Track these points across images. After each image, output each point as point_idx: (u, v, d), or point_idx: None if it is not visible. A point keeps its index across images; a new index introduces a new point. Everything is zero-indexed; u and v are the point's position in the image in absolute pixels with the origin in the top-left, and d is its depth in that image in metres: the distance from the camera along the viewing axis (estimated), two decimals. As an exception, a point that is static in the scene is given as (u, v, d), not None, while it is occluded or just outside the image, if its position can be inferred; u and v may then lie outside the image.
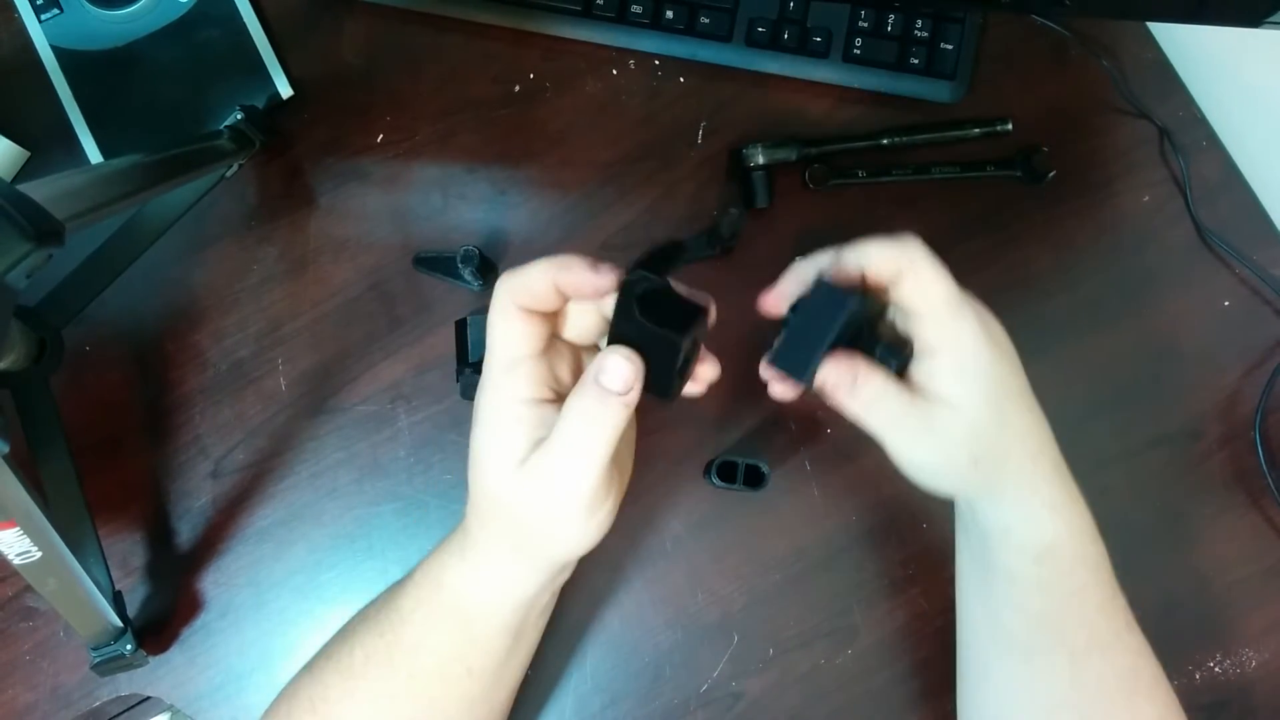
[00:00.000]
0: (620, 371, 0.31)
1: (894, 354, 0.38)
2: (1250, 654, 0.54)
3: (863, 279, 0.37)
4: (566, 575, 0.40)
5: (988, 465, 0.38)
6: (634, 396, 0.32)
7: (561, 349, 0.36)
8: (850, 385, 0.37)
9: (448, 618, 0.39)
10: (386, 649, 0.40)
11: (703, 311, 0.34)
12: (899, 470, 0.40)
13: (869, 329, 0.38)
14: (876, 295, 0.38)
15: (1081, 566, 0.40)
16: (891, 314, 0.40)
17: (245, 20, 0.56)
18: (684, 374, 0.34)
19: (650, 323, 0.31)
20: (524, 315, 0.33)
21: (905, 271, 0.37)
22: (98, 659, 0.48)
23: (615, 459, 0.34)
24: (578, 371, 0.36)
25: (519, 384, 0.34)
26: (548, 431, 0.33)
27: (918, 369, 0.38)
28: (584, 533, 0.35)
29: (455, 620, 0.39)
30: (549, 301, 0.33)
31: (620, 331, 0.32)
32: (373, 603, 0.43)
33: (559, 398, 0.34)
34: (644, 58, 0.58)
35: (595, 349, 0.37)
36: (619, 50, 0.58)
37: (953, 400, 0.37)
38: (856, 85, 0.58)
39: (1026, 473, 0.39)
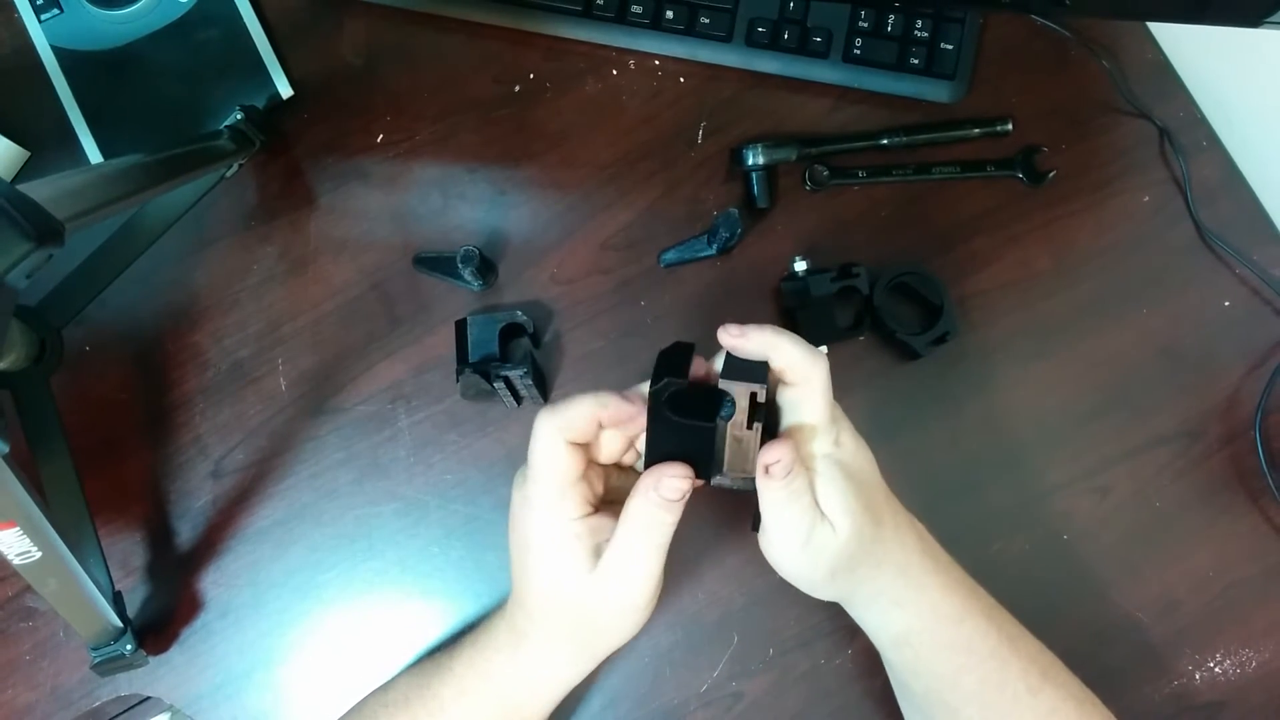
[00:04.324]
0: (679, 487, 0.36)
1: None
2: (1250, 654, 0.54)
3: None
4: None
5: (841, 578, 0.40)
6: (685, 500, 0.37)
7: (593, 465, 0.40)
8: (789, 467, 0.37)
9: (494, 708, 0.42)
10: None
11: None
12: (768, 559, 0.41)
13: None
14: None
15: (948, 651, 0.42)
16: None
17: (245, 20, 0.56)
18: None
19: (683, 419, 0.36)
20: (568, 448, 0.37)
21: (805, 383, 0.38)
22: (98, 659, 0.48)
23: None
24: (605, 481, 0.40)
25: (569, 506, 0.38)
26: (599, 536, 0.38)
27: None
28: (644, 617, 0.40)
29: (501, 710, 0.42)
30: (589, 434, 0.37)
31: (657, 433, 0.37)
32: (392, 690, 0.45)
33: (597, 507, 0.39)
34: (644, 58, 0.58)
35: (618, 467, 0.41)
36: (619, 50, 0.58)
37: (830, 519, 0.38)
38: (856, 85, 0.58)
39: (870, 579, 0.41)
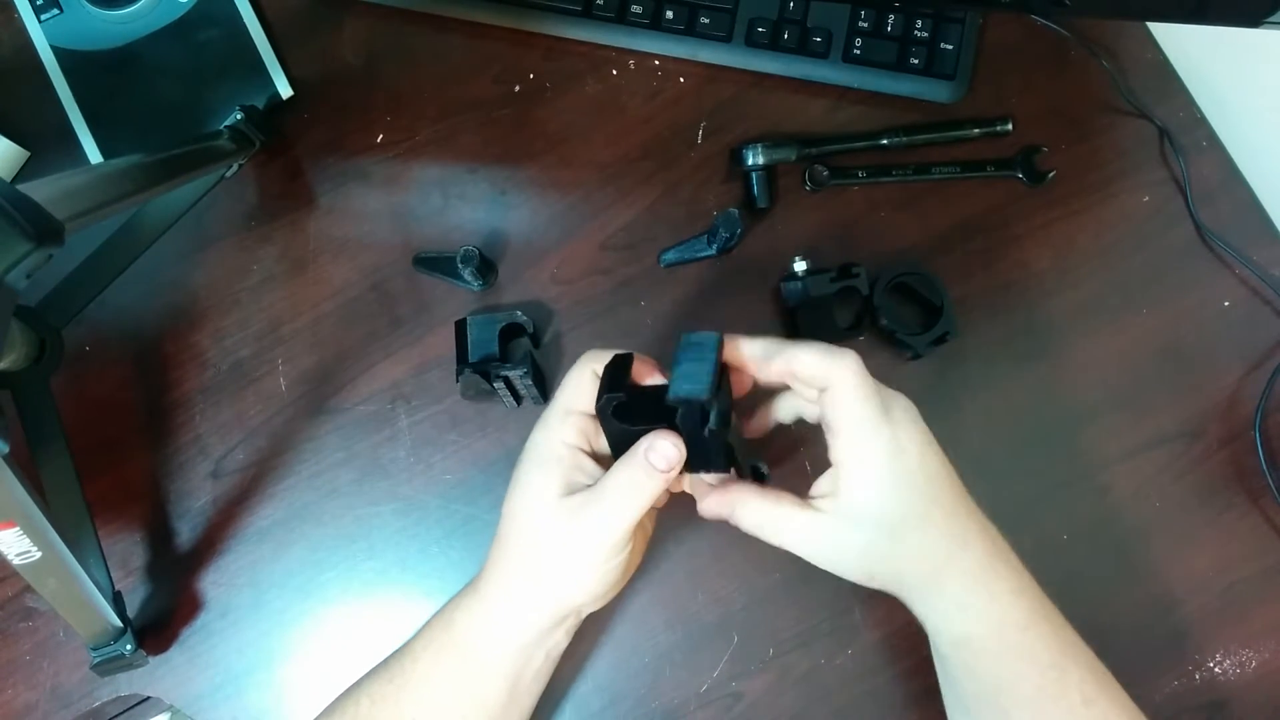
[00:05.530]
0: (667, 454, 0.37)
1: (758, 462, 0.42)
2: (1250, 654, 0.54)
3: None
4: (564, 640, 0.43)
5: (884, 579, 0.40)
6: (673, 475, 0.37)
7: None
8: (730, 516, 0.39)
9: (453, 656, 0.42)
10: (395, 692, 0.42)
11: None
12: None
13: (729, 437, 0.39)
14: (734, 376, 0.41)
15: (1008, 655, 0.41)
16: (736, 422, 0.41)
17: (245, 20, 0.56)
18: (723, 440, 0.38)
19: (631, 426, 0.38)
20: (593, 379, 0.39)
21: (832, 387, 0.38)
22: (98, 659, 0.48)
23: (639, 524, 0.39)
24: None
25: (568, 429, 0.39)
26: (582, 477, 0.39)
27: (825, 478, 0.40)
28: (595, 579, 0.39)
29: (460, 659, 0.42)
30: None
31: (613, 442, 0.39)
32: (381, 661, 0.45)
33: (594, 455, 0.40)
34: (644, 58, 0.58)
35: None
36: (619, 50, 0.58)
37: (847, 516, 0.38)
38: (856, 85, 0.58)
39: (926, 585, 0.40)
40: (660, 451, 0.37)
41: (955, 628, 0.41)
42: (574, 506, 0.38)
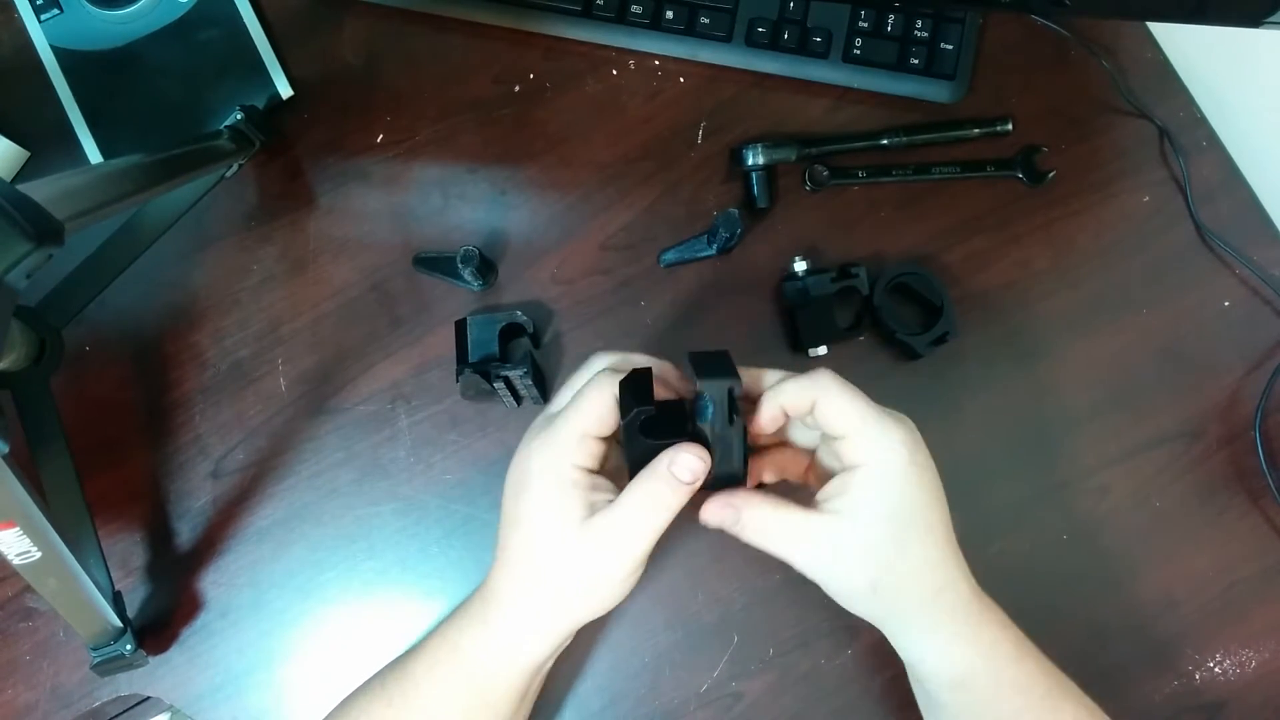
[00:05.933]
0: (692, 466, 0.36)
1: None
2: (1250, 654, 0.54)
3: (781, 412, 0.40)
4: (567, 642, 0.43)
5: (887, 594, 0.39)
6: (695, 487, 0.37)
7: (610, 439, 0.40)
8: (735, 521, 0.39)
9: (463, 681, 0.41)
10: (395, 715, 0.42)
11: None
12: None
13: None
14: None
15: (1007, 690, 0.41)
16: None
17: (245, 20, 0.56)
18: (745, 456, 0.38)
19: (659, 440, 0.37)
20: (615, 402, 0.38)
21: (819, 401, 0.38)
22: (98, 659, 0.48)
23: None
24: (608, 459, 0.40)
25: (583, 454, 0.38)
26: (596, 495, 0.38)
27: (835, 480, 0.39)
28: (620, 592, 0.39)
29: (469, 684, 0.41)
30: None
31: (637, 458, 0.38)
32: (373, 677, 0.44)
33: (605, 473, 0.40)
34: (644, 58, 0.58)
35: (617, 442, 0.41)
36: (619, 50, 0.58)
37: (855, 514, 0.38)
38: (856, 85, 0.58)
39: (927, 607, 0.40)
40: (683, 464, 0.36)
41: (955, 665, 0.41)
42: (596, 529, 0.37)
